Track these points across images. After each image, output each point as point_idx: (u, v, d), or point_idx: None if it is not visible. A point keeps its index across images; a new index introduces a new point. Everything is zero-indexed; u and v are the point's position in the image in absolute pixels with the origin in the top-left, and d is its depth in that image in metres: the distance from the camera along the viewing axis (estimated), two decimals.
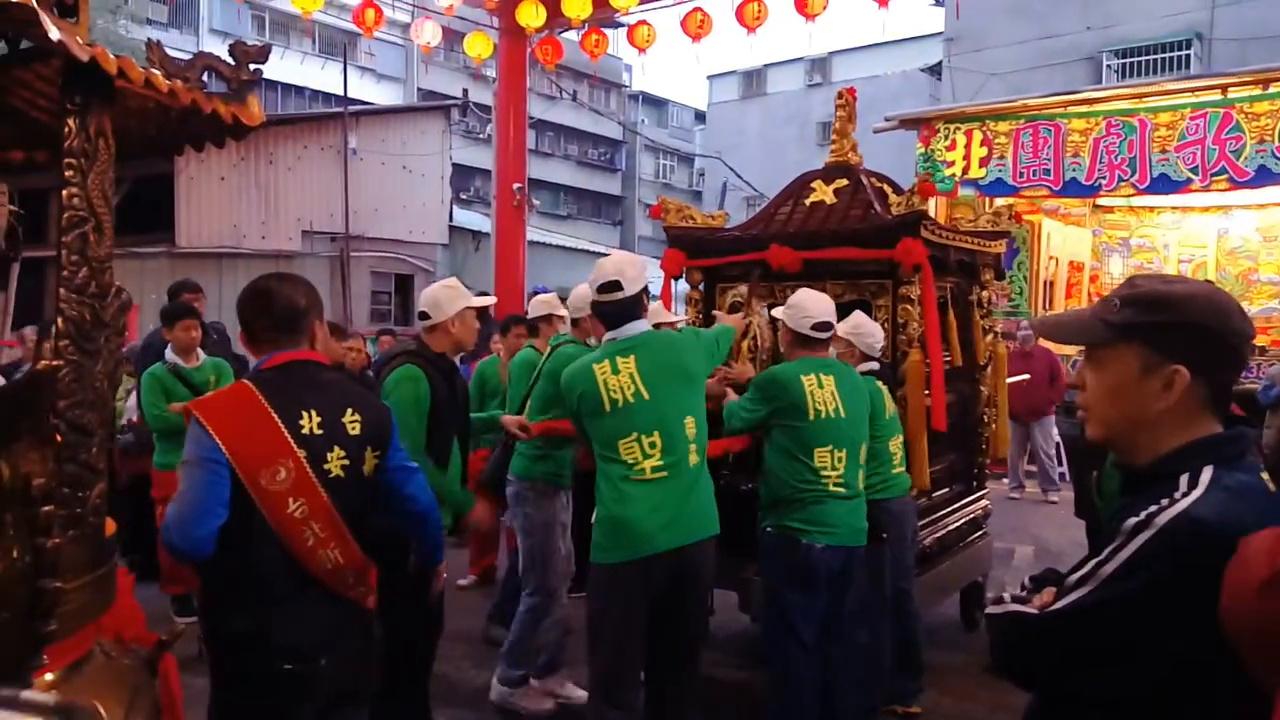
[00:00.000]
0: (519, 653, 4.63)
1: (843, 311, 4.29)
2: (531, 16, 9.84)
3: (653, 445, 3.31)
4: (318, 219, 16.35)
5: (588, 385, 3.36)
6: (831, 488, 3.79)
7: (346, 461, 2.45)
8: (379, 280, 17.98)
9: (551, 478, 4.55)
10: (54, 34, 1.63)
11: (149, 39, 2.22)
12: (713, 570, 3.51)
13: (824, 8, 8.68)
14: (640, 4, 10.08)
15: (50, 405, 1.68)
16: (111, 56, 1.79)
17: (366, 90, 29.67)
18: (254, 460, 2.33)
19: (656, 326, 3.75)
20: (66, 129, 1.85)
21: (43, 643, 1.62)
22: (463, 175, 28.47)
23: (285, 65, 31.08)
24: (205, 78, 2.23)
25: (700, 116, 40.86)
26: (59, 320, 1.84)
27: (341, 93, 17.83)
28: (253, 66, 2.20)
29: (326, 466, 2.42)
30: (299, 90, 31.29)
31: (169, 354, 5.62)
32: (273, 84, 31.37)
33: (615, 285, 3.39)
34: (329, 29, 29.85)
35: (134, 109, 2.10)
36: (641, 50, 10.00)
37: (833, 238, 4.79)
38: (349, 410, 2.49)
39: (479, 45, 11.03)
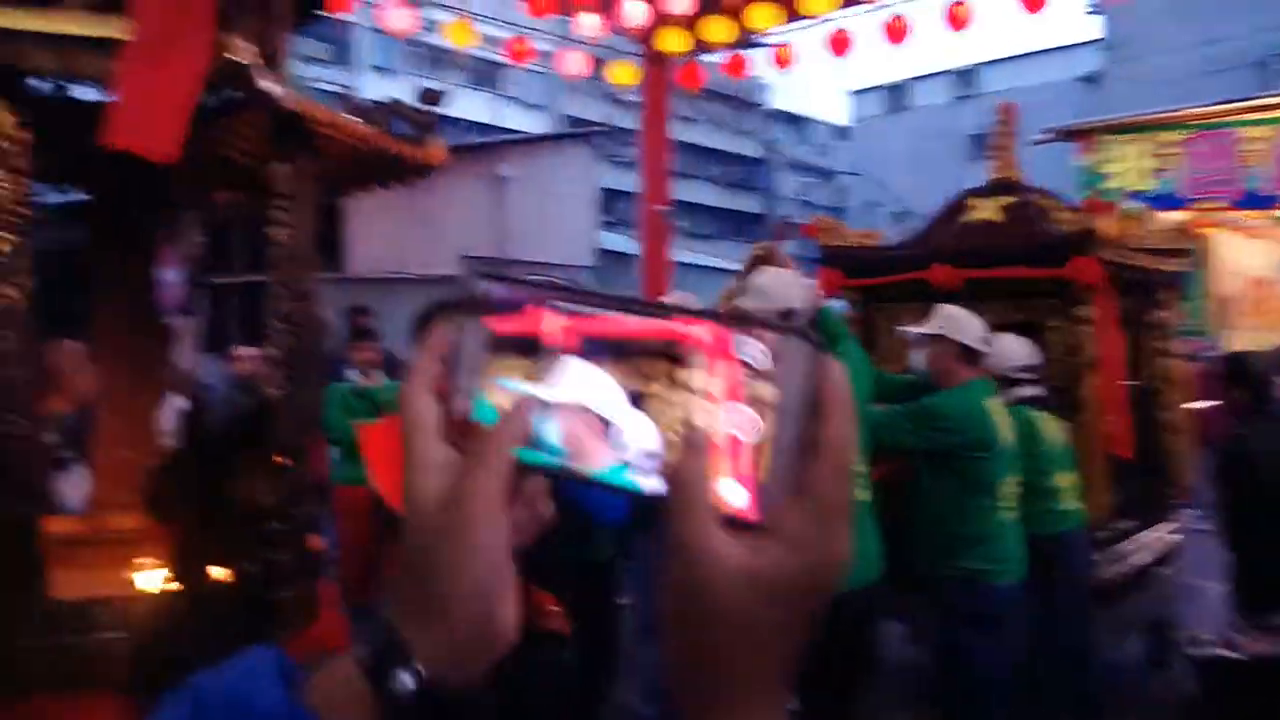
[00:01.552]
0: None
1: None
2: (674, 43, 9.95)
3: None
4: (474, 244, 16.97)
5: None
6: (1007, 519, 3.57)
7: None
8: None
9: None
10: (266, 88, 1.79)
11: (344, 85, 2.40)
12: (876, 618, 3.37)
13: (972, 20, 8.44)
14: (782, 25, 10.05)
15: (274, 431, 1.84)
16: (315, 106, 1.96)
17: (513, 119, 30.65)
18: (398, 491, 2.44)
19: None
20: (274, 174, 2.03)
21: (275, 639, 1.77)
22: (609, 199, 29.01)
23: None
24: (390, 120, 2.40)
25: (841, 132, 40.40)
26: (272, 349, 2.01)
27: (489, 120, 18.50)
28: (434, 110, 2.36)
29: None
30: (452, 121, 32.58)
31: (351, 373, 5.98)
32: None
33: (790, 315, 3.22)
34: (478, 60, 31.00)
35: (330, 153, 2.27)
36: (783, 69, 9.99)
37: (998, 256, 4.65)
38: None
39: (622, 73, 11.23)
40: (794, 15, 9.81)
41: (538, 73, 31.27)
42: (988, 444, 3.52)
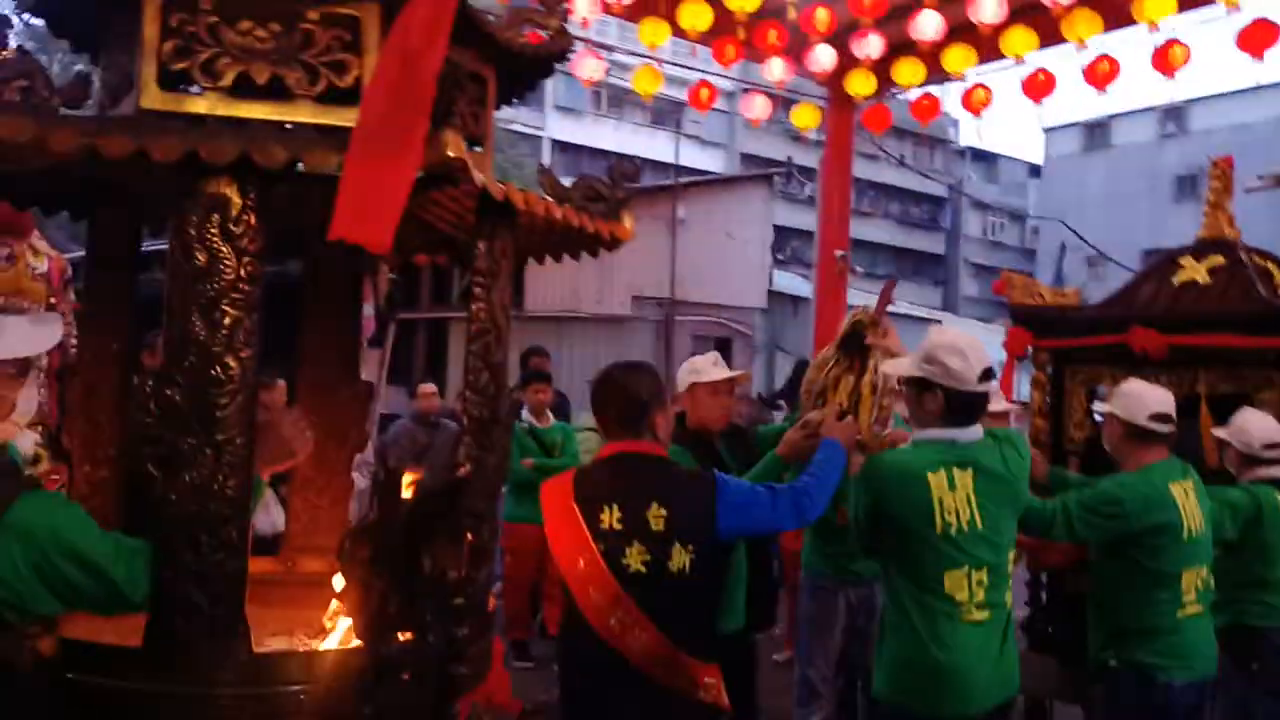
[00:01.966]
0: None
1: (1219, 407, 3.86)
2: (861, 86, 9.78)
3: (980, 583, 2.80)
4: (646, 284, 17.22)
5: (917, 494, 2.80)
6: (1190, 612, 3.28)
7: (648, 557, 2.43)
8: (699, 344, 18.56)
9: (836, 574, 4.20)
10: (479, 180, 1.87)
11: (540, 164, 2.50)
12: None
13: (1186, 61, 7.88)
14: (975, 66, 9.70)
15: (464, 506, 1.91)
16: (518, 191, 2.04)
17: (691, 156, 31.04)
18: (562, 547, 2.49)
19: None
20: (476, 252, 2.12)
21: (450, 716, 1.83)
22: (781, 236, 28.91)
23: (619, 136, 33.26)
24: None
25: (1034, 171, 38.78)
26: (465, 418, 2.10)
27: (669, 159, 18.77)
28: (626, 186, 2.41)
29: (625, 561, 2.43)
30: (628, 158, 33.26)
31: (524, 414, 6.16)
32: (607, 154, 33.62)
33: (989, 374, 2.95)
34: (659, 99, 31.66)
35: (526, 226, 2.35)
36: (976, 113, 9.63)
37: (1208, 322, 4.34)
38: (654, 505, 2.45)
39: (806, 116, 11.14)
40: (989, 56, 9.49)
41: (719, 112, 31.66)
42: (1173, 531, 3.24)
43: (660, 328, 17.29)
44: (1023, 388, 5.40)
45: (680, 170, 19.28)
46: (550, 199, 2.24)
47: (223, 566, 1.89)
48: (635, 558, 2.43)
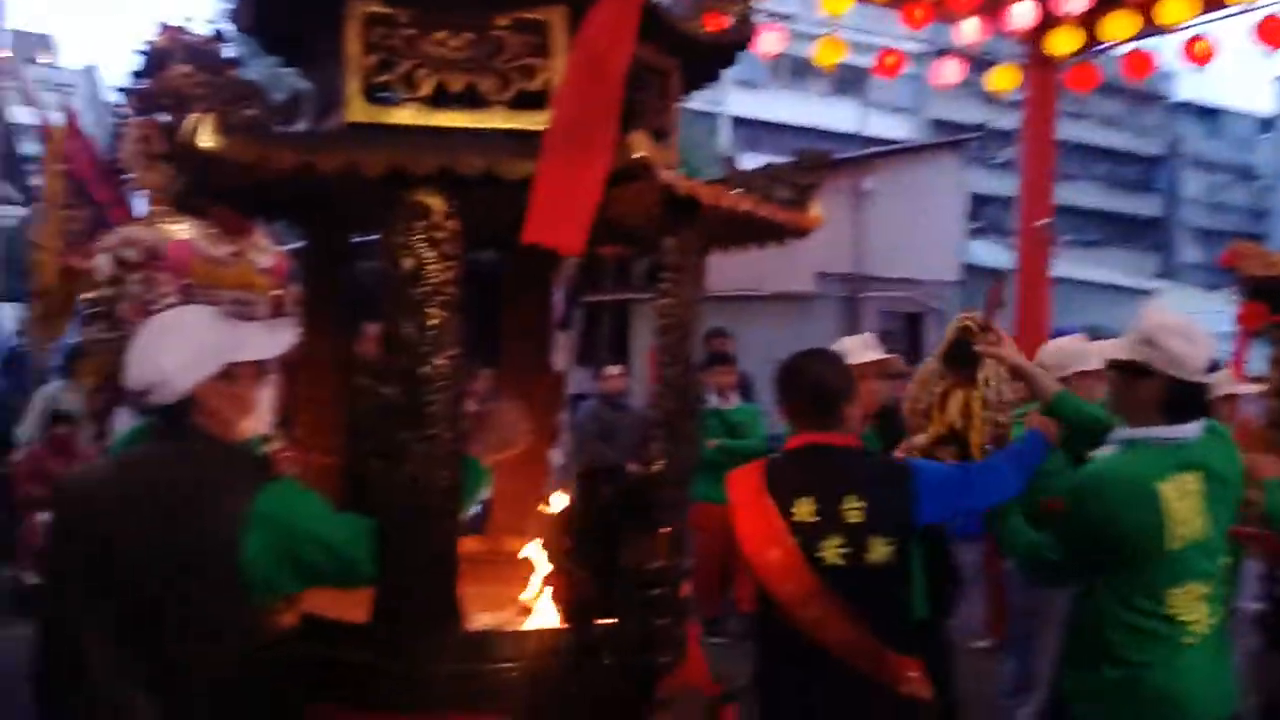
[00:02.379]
0: None
1: None
2: (1065, 43, 9.18)
3: (1204, 597, 2.52)
4: (831, 261, 16.84)
5: (1146, 512, 2.46)
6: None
7: (846, 550, 2.41)
8: (888, 321, 18.04)
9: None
10: (665, 178, 1.90)
11: (724, 155, 2.50)
12: None
13: None
14: (1198, 16, 8.91)
15: (658, 499, 1.96)
16: (703, 186, 2.05)
17: (877, 124, 30.07)
18: (753, 539, 2.48)
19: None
20: (664, 247, 2.15)
21: (651, 703, 1.88)
22: (975, 204, 27.66)
23: (800, 108, 32.64)
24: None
25: (1265, 125, 35.30)
26: (658, 413, 2.14)
27: (853, 129, 18.26)
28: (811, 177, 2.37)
29: (819, 554, 2.41)
30: (811, 131, 32.67)
31: (709, 396, 6.21)
32: (788, 128, 33.11)
33: (1215, 365, 2.83)
34: (842, 67, 30.85)
35: (711, 218, 2.36)
36: (1200, 64, 8.85)
37: None
38: (850, 497, 2.43)
39: (1003, 78, 10.53)
40: (1212, 4, 8.72)
41: (905, 76, 30.57)
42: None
43: (846, 305, 16.92)
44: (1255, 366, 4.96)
45: (865, 141, 18.75)
46: (735, 191, 2.24)
47: (436, 552, 2.01)
48: (831, 550, 2.41)
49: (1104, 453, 2.65)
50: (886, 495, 2.46)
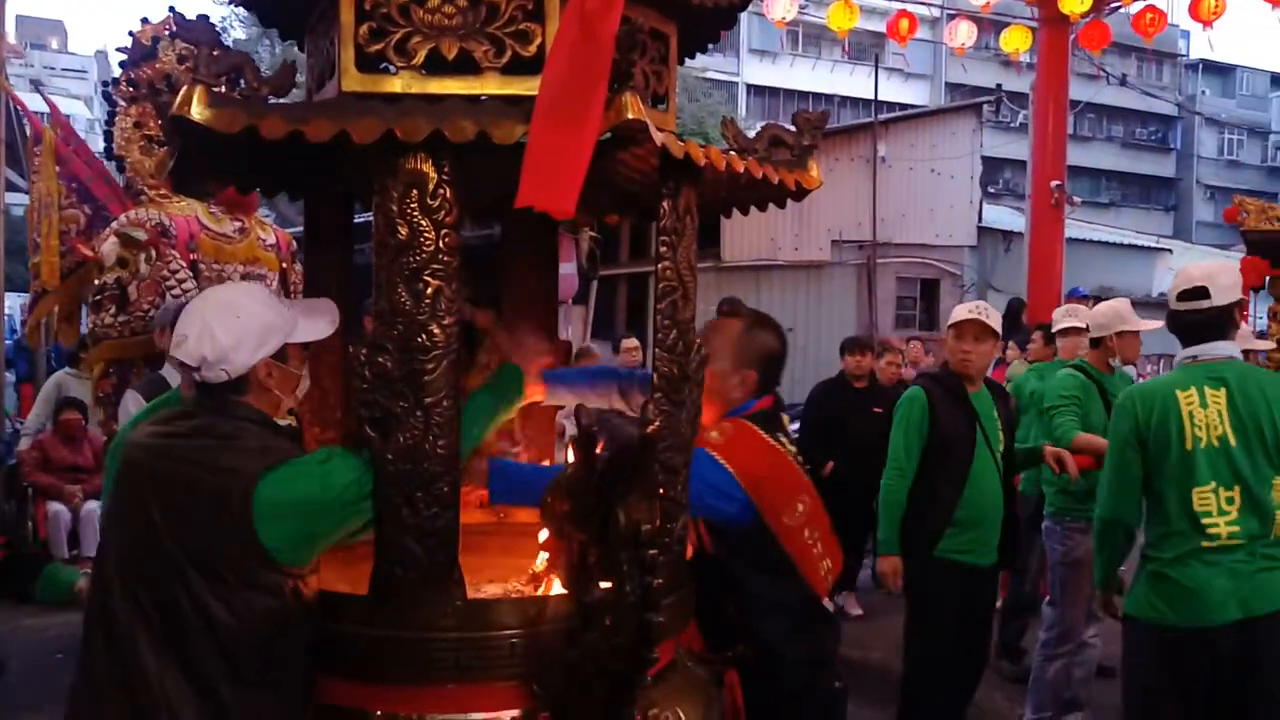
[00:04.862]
0: (1038, 689, 4.62)
1: None
2: (1077, 2, 9.09)
3: (1230, 502, 2.93)
4: (846, 228, 16.76)
5: (1165, 414, 3.00)
6: None
7: None
8: (904, 286, 17.94)
9: (1082, 512, 4.36)
10: (659, 139, 1.87)
11: (724, 116, 2.47)
12: None
13: None
14: None
15: (656, 461, 1.95)
16: (698, 146, 2.02)
17: (894, 90, 29.78)
18: (777, 499, 2.48)
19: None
20: (661, 210, 2.13)
21: (647, 665, 1.88)
22: (990, 168, 27.38)
23: (816, 75, 32.35)
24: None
25: (1277, 81, 34.72)
26: (654, 377, 2.13)
27: (870, 96, 18.09)
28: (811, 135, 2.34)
29: None
30: (828, 98, 32.35)
31: None
32: (805, 95, 32.81)
33: (1200, 292, 3.04)
34: (858, 34, 30.54)
35: (710, 180, 2.34)
36: (1207, 24, 8.74)
37: None
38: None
39: (1016, 39, 10.46)
40: None
41: (922, 41, 30.17)
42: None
43: (861, 271, 16.83)
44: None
45: (881, 106, 18.55)
46: (733, 152, 2.22)
47: (437, 520, 2.01)
48: None
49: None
50: None
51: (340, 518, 1.98)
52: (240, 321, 1.99)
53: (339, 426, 2.73)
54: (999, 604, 5.13)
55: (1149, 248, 22.26)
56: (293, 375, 2.12)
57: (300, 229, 3.34)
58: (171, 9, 5.64)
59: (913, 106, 25.81)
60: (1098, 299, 7.55)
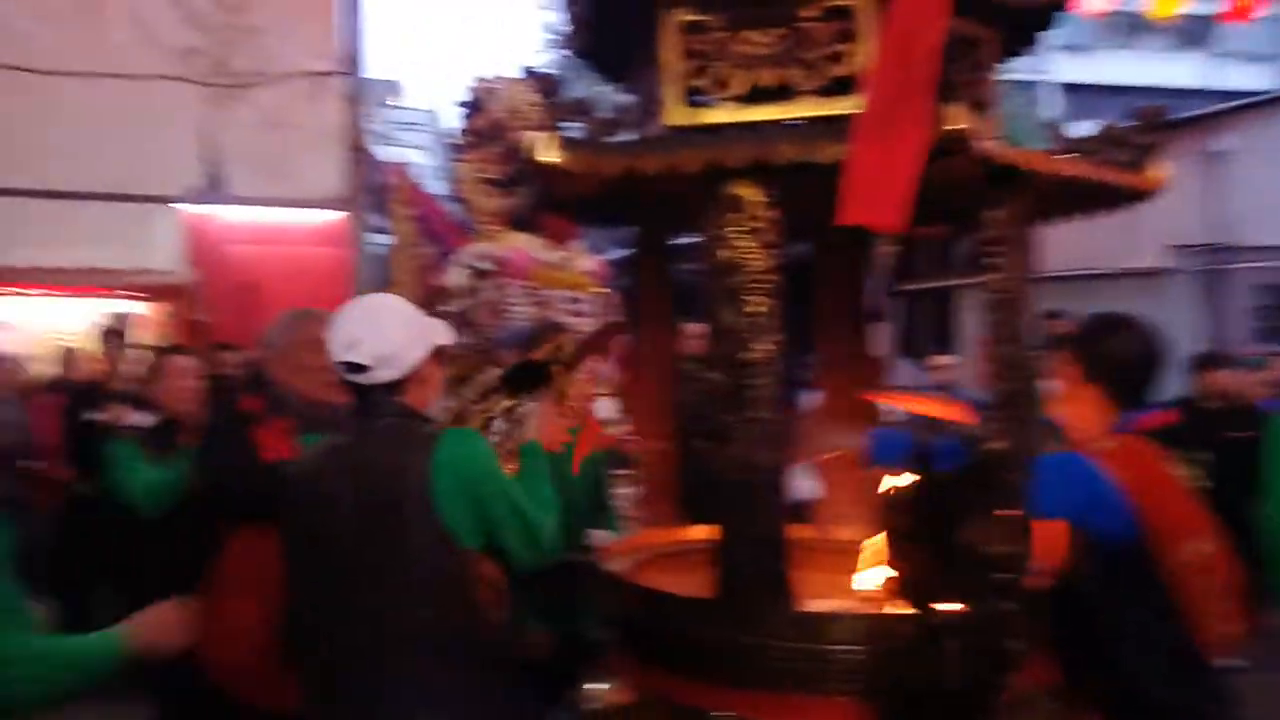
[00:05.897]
0: None
1: None
2: None
3: None
4: (1183, 231, 15.15)
5: None
6: None
7: None
8: (1261, 296, 15.86)
9: None
10: (983, 149, 1.84)
11: (1051, 122, 2.36)
12: None
13: None
14: None
15: (997, 481, 1.90)
16: (1024, 152, 1.96)
17: (1229, 77, 26.67)
18: (1166, 526, 2.23)
19: None
20: (988, 220, 2.08)
21: (996, 694, 1.83)
22: None
23: (1137, 68, 29.67)
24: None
25: None
26: (996, 394, 2.07)
27: (1198, 84, 16.31)
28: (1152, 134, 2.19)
29: None
30: (1150, 90, 29.57)
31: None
32: (1124, 90, 30.20)
33: None
34: (1182, 17, 27.68)
35: (1038, 187, 2.24)
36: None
37: None
38: None
39: None
40: None
41: (1262, 20, 26.82)
42: None
43: (1205, 280, 15.14)
44: None
45: (1215, 95, 16.67)
46: (1062, 155, 2.12)
47: (764, 528, 2.07)
48: None
49: None
50: None
51: (513, 510, 2.06)
52: (402, 322, 2.14)
53: (668, 438, 2.86)
54: None
55: None
56: (442, 375, 2.27)
57: (610, 254, 3.55)
58: (525, 67, 6.26)
59: (1256, 93, 22.96)
60: None
